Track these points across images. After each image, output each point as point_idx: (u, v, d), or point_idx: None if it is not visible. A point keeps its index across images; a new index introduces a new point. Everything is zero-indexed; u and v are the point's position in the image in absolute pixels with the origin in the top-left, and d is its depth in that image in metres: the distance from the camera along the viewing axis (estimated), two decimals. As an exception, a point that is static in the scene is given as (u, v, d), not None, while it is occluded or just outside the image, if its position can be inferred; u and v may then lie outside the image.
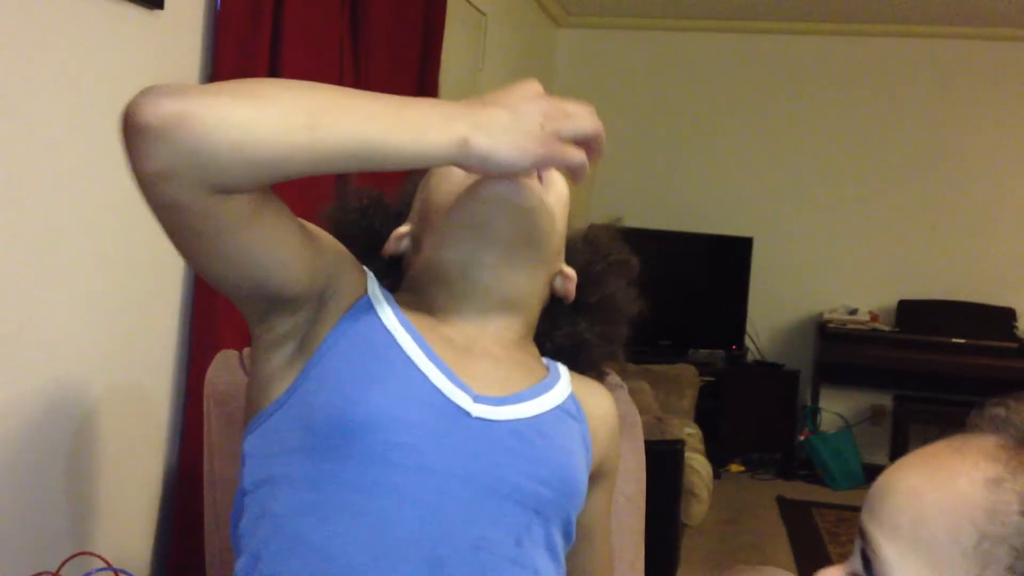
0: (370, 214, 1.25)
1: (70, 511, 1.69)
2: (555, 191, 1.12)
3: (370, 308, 1.03)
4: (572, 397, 1.11)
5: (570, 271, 1.19)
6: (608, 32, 5.94)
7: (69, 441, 1.68)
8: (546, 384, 1.09)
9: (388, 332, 1.00)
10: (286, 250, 0.93)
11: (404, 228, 1.18)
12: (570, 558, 1.09)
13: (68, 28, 1.60)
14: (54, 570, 1.45)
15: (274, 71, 2.12)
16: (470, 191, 1.05)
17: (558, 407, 1.07)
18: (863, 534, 0.76)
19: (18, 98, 1.51)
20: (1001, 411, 0.76)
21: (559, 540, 1.03)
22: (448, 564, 0.91)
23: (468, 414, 0.98)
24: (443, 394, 0.97)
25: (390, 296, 1.07)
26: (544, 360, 1.17)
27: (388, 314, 1.02)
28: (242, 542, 0.99)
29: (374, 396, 0.94)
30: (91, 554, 1.58)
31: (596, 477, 1.13)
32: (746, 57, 5.75)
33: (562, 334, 1.21)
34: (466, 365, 1.03)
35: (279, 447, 0.97)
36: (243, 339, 2.05)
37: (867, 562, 0.74)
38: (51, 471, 1.64)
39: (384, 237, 1.20)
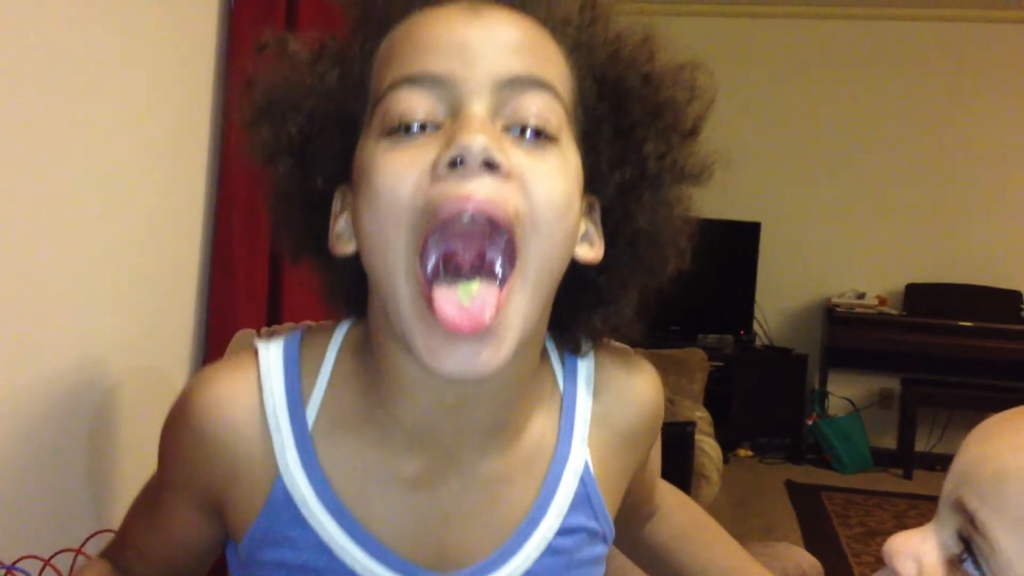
0: (310, 161, 0.80)
1: (92, 490, 1.71)
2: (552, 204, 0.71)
3: (290, 504, 0.79)
4: (584, 477, 0.85)
5: (595, 248, 0.81)
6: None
7: (90, 421, 1.70)
8: (547, 487, 0.83)
9: (321, 541, 0.78)
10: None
11: (344, 242, 0.79)
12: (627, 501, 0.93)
13: (77, 11, 1.61)
14: (77, 547, 1.47)
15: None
16: (418, 335, 0.70)
17: (558, 532, 0.83)
18: (970, 517, 0.68)
19: (33, 79, 1.52)
20: None
21: None
22: None
23: None
24: None
25: (310, 456, 0.79)
26: (559, 372, 0.88)
27: (315, 512, 0.78)
28: None
29: None
30: (113, 531, 1.60)
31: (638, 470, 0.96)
32: (753, 41, 5.74)
33: (589, 330, 0.87)
34: (438, 520, 0.80)
35: None
36: (261, 319, 2.08)
37: (968, 544, 0.68)
38: (74, 451, 1.65)
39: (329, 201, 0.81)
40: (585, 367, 0.89)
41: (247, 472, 0.79)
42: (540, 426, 0.84)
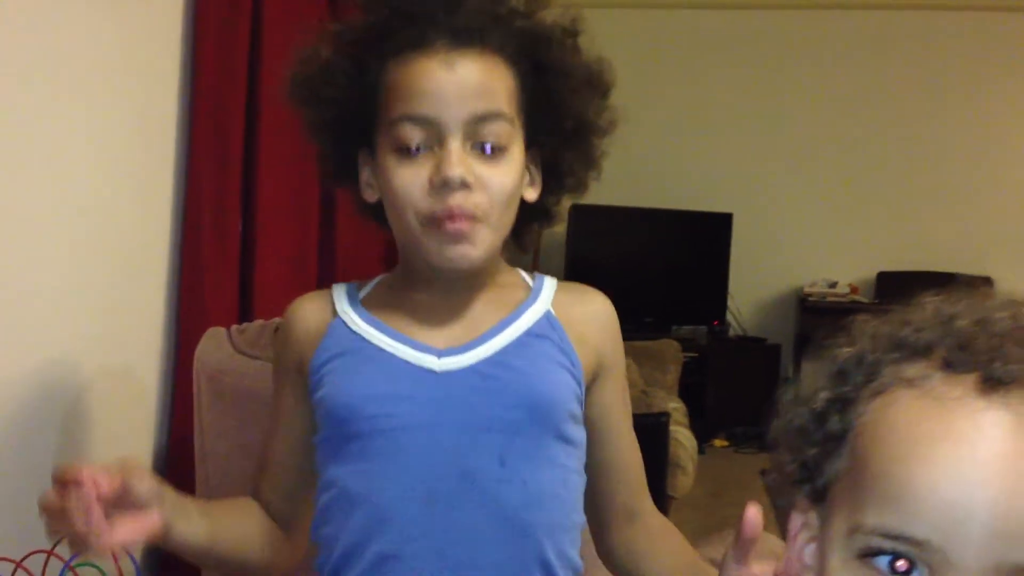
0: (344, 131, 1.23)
1: (63, 491, 1.70)
2: (508, 179, 1.15)
3: (342, 325, 1.21)
4: (547, 315, 1.22)
5: (535, 187, 1.24)
6: (586, 11, 5.93)
7: (62, 421, 1.69)
8: (516, 313, 1.21)
9: (358, 335, 1.19)
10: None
11: (370, 193, 1.21)
12: (592, 453, 1.23)
13: (41, 8, 1.60)
14: (49, 548, 1.46)
15: (254, 52, 2.12)
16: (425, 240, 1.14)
17: (525, 332, 1.20)
18: None
19: None
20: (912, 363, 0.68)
21: (556, 445, 1.19)
22: (440, 495, 1.13)
23: (433, 371, 1.16)
24: (411, 363, 1.16)
25: (358, 305, 1.23)
26: (530, 280, 1.28)
27: (356, 321, 1.21)
28: (317, 520, 1.22)
29: (357, 387, 1.16)
30: (85, 533, 1.59)
31: (598, 373, 1.25)
32: (723, 34, 5.76)
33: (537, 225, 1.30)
34: (438, 324, 1.20)
35: (324, 446, 1.20)
36: (230, 316, 2.07)
37: None
38: (45, 451, 1.65)
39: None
40: (550, 280, 1.28)
41: (318, 331, 1.21)
42: (512, 295, 1.24)
